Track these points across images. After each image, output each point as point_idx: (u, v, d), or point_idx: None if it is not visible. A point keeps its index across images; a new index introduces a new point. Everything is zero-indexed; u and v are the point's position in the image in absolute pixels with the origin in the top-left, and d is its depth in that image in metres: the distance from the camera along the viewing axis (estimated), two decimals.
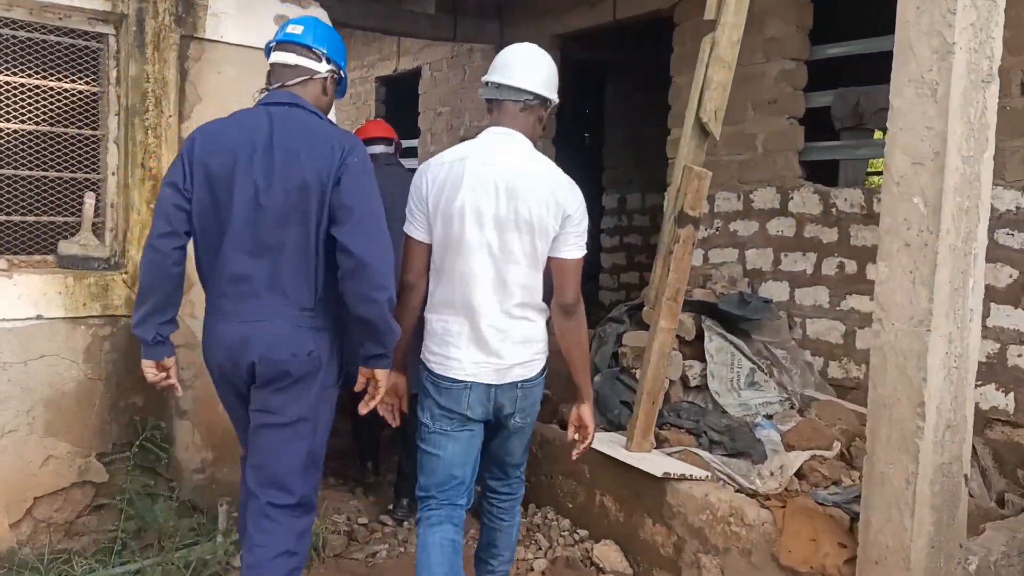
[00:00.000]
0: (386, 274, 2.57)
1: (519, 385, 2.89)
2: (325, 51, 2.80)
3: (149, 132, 3.61)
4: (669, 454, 4.09)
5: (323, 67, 2.79)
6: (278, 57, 2.79)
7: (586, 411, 3.00)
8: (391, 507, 4.47)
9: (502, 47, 2.98)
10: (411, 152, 10.37)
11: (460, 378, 2.84)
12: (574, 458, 3.09)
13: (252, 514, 2.74)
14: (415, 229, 2.87)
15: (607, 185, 9.43)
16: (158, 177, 3.63)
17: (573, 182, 2.89)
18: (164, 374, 2.83)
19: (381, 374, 2.73)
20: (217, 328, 2.71)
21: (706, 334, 4.92)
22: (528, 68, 2.89)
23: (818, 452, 4.40)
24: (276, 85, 2.76)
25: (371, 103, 10.93)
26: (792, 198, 5.55)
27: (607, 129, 9.46)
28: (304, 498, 2.77)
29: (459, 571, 2.88)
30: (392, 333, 2.65)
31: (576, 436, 3.04)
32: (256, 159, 2.59)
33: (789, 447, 4.40)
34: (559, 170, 2.89)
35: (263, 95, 2.80)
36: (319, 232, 2.61)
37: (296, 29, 2.78)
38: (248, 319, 2.65)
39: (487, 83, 2.93)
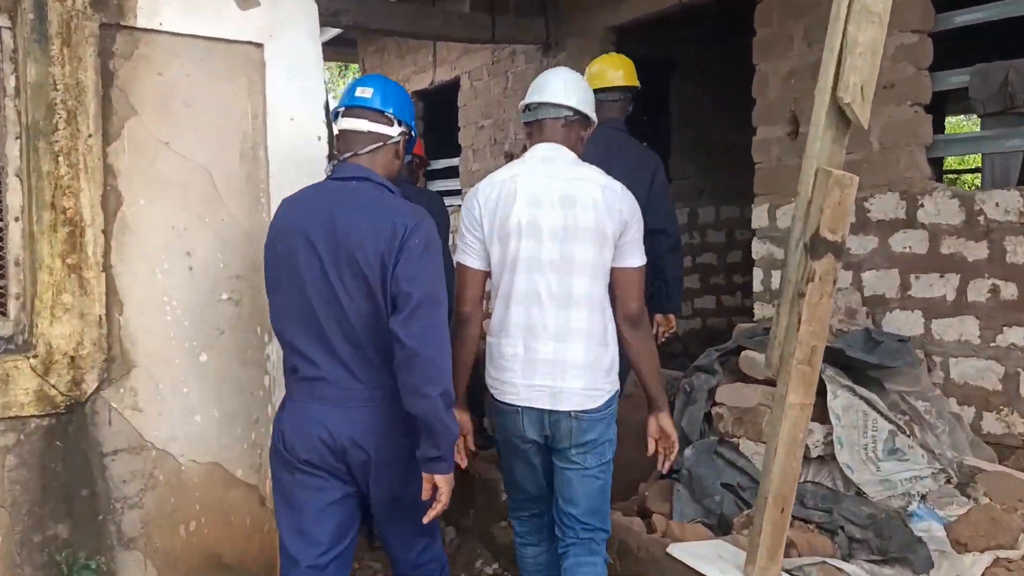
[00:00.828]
0: (441, 366, 2.42)
1: (573, 415, 2.73)
2: (394, 112, 2.65)
3: (60, 159, 2.61)
4: (798, 570, 2.95)
5: (395, 131, 2.66)
6: (348, 124, 2.64)
7: (665, 420, 2.92)
8: None
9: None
10: (453, 172, 9.34)
11: (514, 403, 2.78)
12: (664, 471, 3.07)
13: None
14: (468, 256, 2.85)
15: (674, 198, 8.27)
16: (76, 221, 2.63)
17: (625, 187, 2.86)
18: None
19: (441, 480, 2.51)
20: (307, 412, 2.55)
21: (828, 388, 3.76)
22: (563, 86, 2.93)
23: (1000, 553, 3.23)
24: (347, 155, 2.61)
25: None
26: (922, 205, 4.38)
27: (672, 133, 8.29)
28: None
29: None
30: (449, 434, 2.47)
31: (658, 448, 2.95)
32: (319, 240, 2.49)
33: (959, 545, 3.25)
34: (609, 176, 2.86)
35: (333, 167, 2.65)
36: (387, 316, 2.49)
37: (366, 92, 2.64)
38: (344, 405, 2.52)
39: (525, 108, 2.95)
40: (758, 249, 5.34)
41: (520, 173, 2.80)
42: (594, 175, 2.81)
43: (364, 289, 2.46)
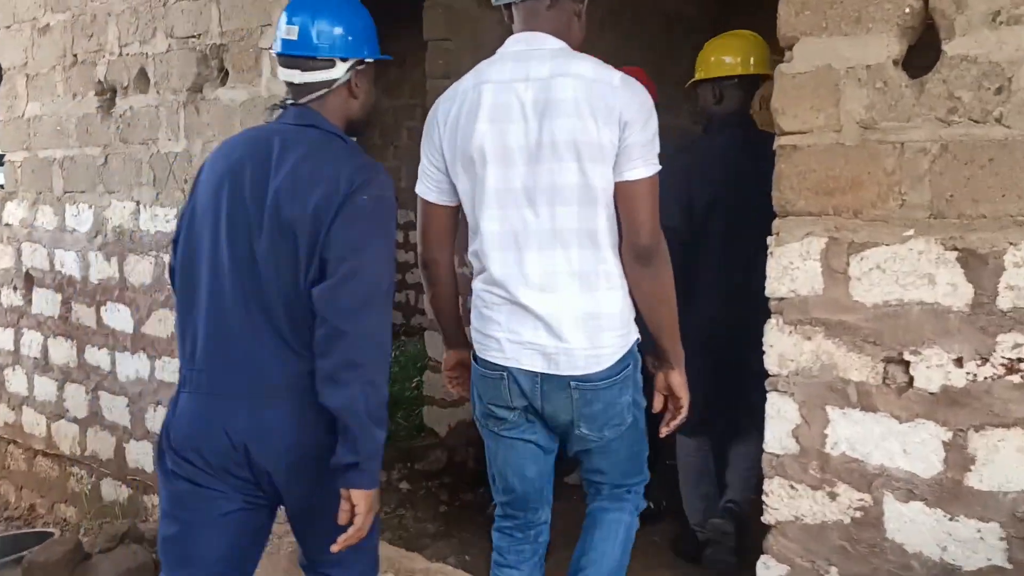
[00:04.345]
0: (365, 348, 1.99)
1: (573, 384, 2.22)
2: (333, 51, 2.18)
3: None
4: None
5: (339, 71, 2.20)
6: (283, 75, 2.26)
7: (675, 377, 2.35)
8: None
9: None
10: None
11: (497, 362, 2.28)
12: (662, 435, 2.45)
13: None
14: (425, 188, 2.37)
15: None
16: None
17: (631, 79, 2.18)
18: None
19: (358, 496, 2.02)
20: (192, 405, 2.17)
21: None
22: None
23: None
24: (290, 101, 2.25)
25: None
26: None
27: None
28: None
29: None
30: (370, 438, 2.01)
31: (666, 406, 2.42)
32: (248, 192, 2.12)
33: None
34: (608, 67, 2.19)
35: (275, 113, 2.29)
36: (307, 285, 2.10)
37: (291, 33, 2.19)
38: (231, 395, 2.12)
39: None
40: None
41: (487, 79, 2.23)
42: (581, 67, 2.16)
43: (286, 256, 2.06)
